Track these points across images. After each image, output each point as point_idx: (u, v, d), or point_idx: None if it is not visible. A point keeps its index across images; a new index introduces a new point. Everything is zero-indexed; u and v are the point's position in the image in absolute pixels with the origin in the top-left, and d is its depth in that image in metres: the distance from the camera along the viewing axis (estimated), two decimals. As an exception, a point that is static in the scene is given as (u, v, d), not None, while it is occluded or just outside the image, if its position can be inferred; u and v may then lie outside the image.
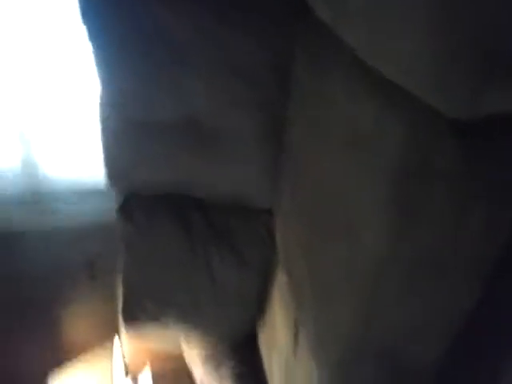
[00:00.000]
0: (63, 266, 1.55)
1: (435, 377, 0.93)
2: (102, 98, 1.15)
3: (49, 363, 1.72)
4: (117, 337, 1.74)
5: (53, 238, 1.43)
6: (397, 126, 0.69)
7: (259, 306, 1.42)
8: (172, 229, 1.32)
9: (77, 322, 1.76)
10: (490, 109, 0.63)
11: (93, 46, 1.06)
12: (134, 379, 1.71)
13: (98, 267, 1.56)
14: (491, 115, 0.64)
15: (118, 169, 1.24)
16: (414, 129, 0.67)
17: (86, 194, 1.35)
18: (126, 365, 1.76)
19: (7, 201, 1.31)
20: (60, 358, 1.80)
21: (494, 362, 0.97)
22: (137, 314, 1.44)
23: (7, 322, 1.65)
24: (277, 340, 1.28)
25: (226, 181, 1.26)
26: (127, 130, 1.19)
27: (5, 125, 1.21)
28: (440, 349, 0.89)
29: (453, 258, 0.76)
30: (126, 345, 1.80)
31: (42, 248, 1.46)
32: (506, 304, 0.89)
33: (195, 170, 1.25)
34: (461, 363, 0.95)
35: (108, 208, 1.34)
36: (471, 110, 0.63)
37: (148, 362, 1.71)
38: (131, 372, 1.74)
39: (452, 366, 0.93)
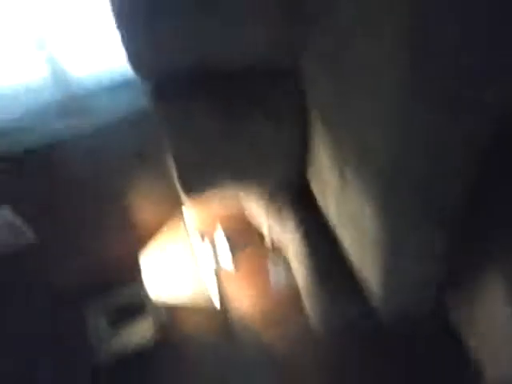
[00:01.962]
0: (114, 163, 1.63)
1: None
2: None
3: (129, 245, 1.90)
4: (183, 208, 1.85)
5: (97, 139, 1.50)
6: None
7: (302, 153, 1.48)
8: (206, 101, 1.35)
9: (143, 205, 1.89)
10: None
11: None
12: (211, 241, 1.84)
13: (147, 154, 1.62)
14: None
15: (138, 53, 1.23)
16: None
17: (120, 88, 1.37)
18: (199, 230, 1.91)
19: (44, 112, 1.35)
20: (138, 238, 1.96)
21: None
22: (193, 183, 1.54)
23: (80, 217, 1.80)
24: (326, 179, 1.34)
25: (244, 40, 1.24)
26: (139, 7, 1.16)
27: (23, 34, 1.21)
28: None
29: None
30: (193, 213, 1.94)
31: (88, 150, 1.53)
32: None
33: (211, 33, 1.23)
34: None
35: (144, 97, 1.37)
36: None
37: (218, 223, 1.83)
38: (206, 235, 1.88)
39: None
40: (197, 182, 1.52)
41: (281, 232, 1.64)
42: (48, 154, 1.49)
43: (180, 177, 1.52)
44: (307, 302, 1.54)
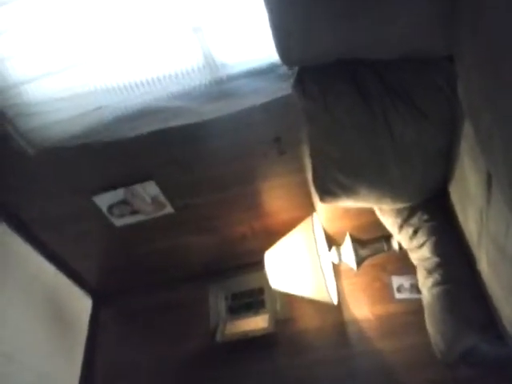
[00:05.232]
0: (252, 146, 1.67)
1: None
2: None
3: (260, 242, 1.96)
4: (315, 213, 1.88)
5: (239, 121, 1.53)
6: None
7: (445, 161, 1.37)
8: (347, 94, 1.32)
9: (274, 200, 1.93)
10: None
11: None
12: (338, 250, 1.84)
13: (285, 142, 1.63)
14: None
15: (290, 47, 1.25)
16: None
17: (264, 74, 1.39)
18: (327, 238, 1.92)
19: (193, 94, 1.43)
20: (267, 228, 2.00)
21: None
22: (328, 185, 1.53)
23: (211, 204, 1.89)
24: (470, 193, 1.24)
25: (395, 35, 1.19)
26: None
27: (179, 19, 1.29)
28: None
29: None
30: (323, 219, 1.94)
31: (230, 131, 1.58)
32: None
33: (363, 31, 1.20)
34: None
35: (286, 85, 1.38)
36: None
37: (348, 233, 1.82)
38: (333, 244, 1.88)
39: None
40: (332, 186, 1.51)
41: (413, 247, 1.57)
42: (193, 134, 1.57)
43: (315, 179, 1.51)
44: (430, 322, 1.44)
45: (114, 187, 1.74)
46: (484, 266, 1.26)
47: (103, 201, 1.78)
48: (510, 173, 0.95)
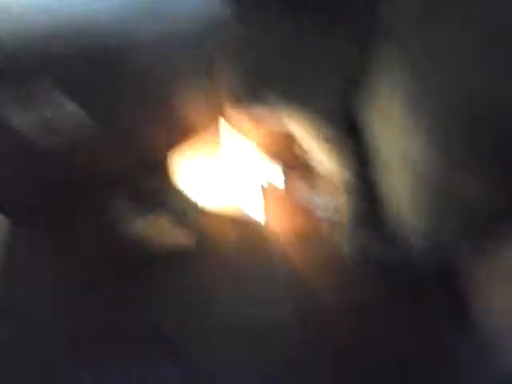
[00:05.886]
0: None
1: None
2: None
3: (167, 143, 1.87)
4: (226, 120, 1.80)
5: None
6: None
7: (359, 74, 1.38)
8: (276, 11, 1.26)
9: (187, 104, 1.84)
10: None
11: None
12: (255, 164, 1.84)
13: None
14: None
15: None
16: None
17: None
18: (244, 150, 1.87)
19: (116, 12, 1.32)
20: (175, 138, 1.91)
21: None
22: (239, 91, 1.48)
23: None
24: (382, 107, 1.26)
25: None
26: None
27: None
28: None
29: None
30: (238, 127, 1.87)
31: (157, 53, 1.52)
32: None
33: None
34: None
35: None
36: None
37: (263, 145, 1.82)
38: (251, 156, 1.87)
39: None
40: (243, 91, 1.45)
41: (326, 160, 1.59)
42: (117, 53, 1.48)
43: (226, 85, 1.45)
44: (342, 231, 1.53)
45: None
46: (394, 179, 1.33)
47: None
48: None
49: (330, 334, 1.70)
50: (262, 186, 1.93)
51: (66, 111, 1.67)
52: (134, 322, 1.84)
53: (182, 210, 1.94)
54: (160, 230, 1.93)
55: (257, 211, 1.85)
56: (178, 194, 1.87)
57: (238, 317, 1.77)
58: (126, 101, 1.74)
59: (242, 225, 1.89)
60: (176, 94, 1.75)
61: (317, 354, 1.69)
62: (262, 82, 1.43)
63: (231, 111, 1.62)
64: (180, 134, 1.86)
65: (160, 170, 1.89)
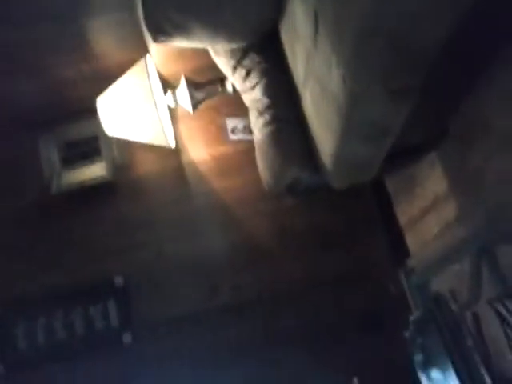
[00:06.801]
0: None
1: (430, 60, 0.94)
2: None
3: (91, 87, 1.82)
4: (148, 55, 1.76)
5: None
6: None
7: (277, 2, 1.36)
8: None
9: (103, 40, 1.77)
10: None
11: None
12: (173, 94, 1.79)
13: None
14: None
15: None
16: None
17: None
18: (162, 81, 1.84)
19: None
20: (97, 75, 1.86)
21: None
22: (160, 24, 1.45)
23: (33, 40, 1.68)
24: (299, 33, 1.27)
25: None
26: None
27: None
28: (438, 34, 0.89)
29: None
30: (157, 61, 1.84)
31: None
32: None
33: None
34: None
35: None
36: None
37: (183, 76, 1.76)
38: (169, 87, 1.82)
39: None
40: (164, 24, 1.43)
41: (246, 88, 1.60)
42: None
43: (147, 16, 1.41)
44: (259, 158, 1.55)
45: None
46: (308, 104, 1.35)
47: None
48: (335, 9, 0.98)
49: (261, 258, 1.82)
50: (176, 113, 1.91)
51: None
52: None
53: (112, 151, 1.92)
54: (95, 171, 1.89)
55: (172, 137, 1.86)
56: (109, 139, 1.84)
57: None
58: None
59: (162, 154, 1.89)
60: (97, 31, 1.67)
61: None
62: (182, 11, 1.39)
63: (154, 45, 1.55)
64: (105, 75, 1.81)
65: (89, 115, 1.83)
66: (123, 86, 1.74)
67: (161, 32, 1.47)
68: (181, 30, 1.45)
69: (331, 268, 1.81)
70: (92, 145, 1.97)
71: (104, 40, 1.77)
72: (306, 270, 1.80)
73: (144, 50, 1.79)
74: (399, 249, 1.77)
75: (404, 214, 1.77)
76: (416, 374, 1.56)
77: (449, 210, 1.46)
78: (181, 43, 1.54)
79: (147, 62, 1.71)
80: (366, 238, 1.85)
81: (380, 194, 1.84)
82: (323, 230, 1.85)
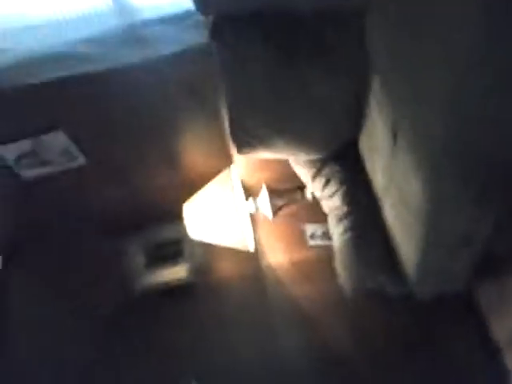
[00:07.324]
0: (166, 97, 1.60)
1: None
2: None
3: (173, 185, 1.95)
4: (232, 165, 1.89)
5: (152, 68, 1.45)
6: None
7: (356, 115, 1.43)
8: (264, 47, 1.31)
9: (193, 148, 1.90)
10: None
11: None
12: (254, 200, 1.89)
13: (200, 93, 1.59)
14: None
15: None
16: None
17: (178, 21, 1.34)
18: (244, 188, 1.94)
19: (103, 39, 1.35)
20: (184, 181, 1.98)
21: None
22: (244, 137, 1.55)
23: (127, 155, 1.83)
24: (377, 145, 1.30)
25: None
26: None
27: None
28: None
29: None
30: (241, 170, 1.96)
31: (142, 80, 1.49)
32: None
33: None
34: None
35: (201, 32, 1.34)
36: None
37: (264, 184, 1.86)
38: (250, 194, 1.92)
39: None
40: (248, 137, 1.52)
41: (325, 196, 1.64)
42: (103, 80, 1.49)
43: (232, 130, 1.51)
44: (340, 265, 1.54)
45: (20, 137, 1.62)
46: (389, 212, 1.35)
47: (9, 151, 1.66)
48: (412, 123, 1.01)
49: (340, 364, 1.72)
50: (256, 217, 1.97)
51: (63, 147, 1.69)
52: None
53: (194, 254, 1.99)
54: (177, 274, 1.97)
55: (251, 242, 1.89)
56: (192, 242, 1.92)
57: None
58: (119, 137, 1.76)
59: (242, 258, 1.92)
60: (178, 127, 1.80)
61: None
62: (265, 126, 1.48)
63: (239, 155, 1.66)
64: (191, 182, 1.92)
65: (174, 220, 1.95)
66: (208, 193, 1.85)
67: (245, 145, 1.57)
68: (264, 144, 1.54)
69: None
70: (175, 248, 2.06)
71: (193, 151, 1.90)
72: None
73: (229, 160, 1.90)
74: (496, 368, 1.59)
75: (502, 328, 1.59)
76: None
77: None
78: (263, 155, 1.63)
79: (231, 172, 1.83)
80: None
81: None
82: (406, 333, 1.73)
